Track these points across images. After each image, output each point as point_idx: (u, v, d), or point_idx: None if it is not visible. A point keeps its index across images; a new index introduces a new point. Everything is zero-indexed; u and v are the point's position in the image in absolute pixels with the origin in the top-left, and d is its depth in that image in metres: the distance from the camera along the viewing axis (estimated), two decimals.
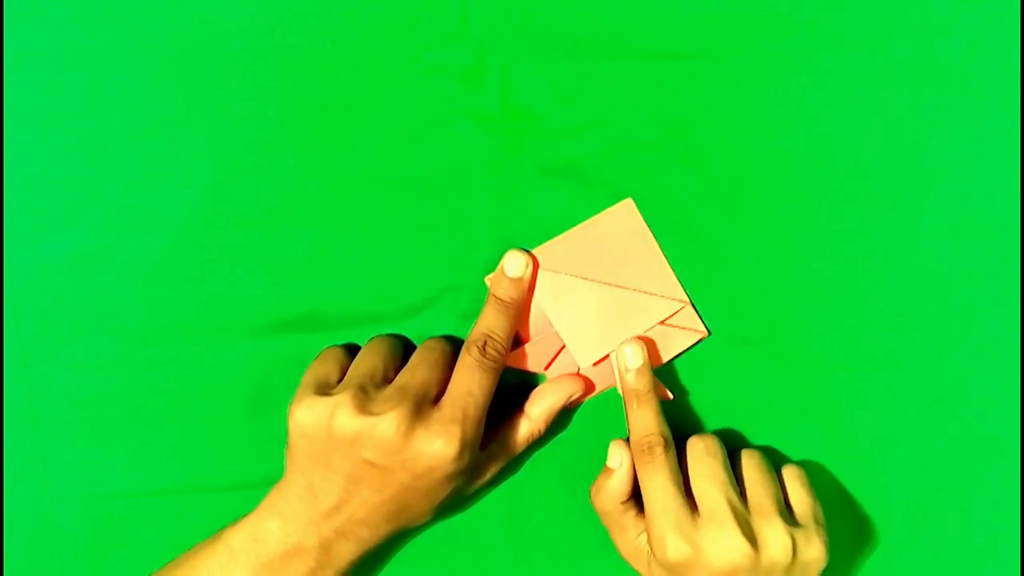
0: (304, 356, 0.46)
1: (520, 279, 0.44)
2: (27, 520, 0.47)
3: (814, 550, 0.41)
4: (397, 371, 0.44)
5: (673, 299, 0.46)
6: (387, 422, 0.40)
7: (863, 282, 0.45)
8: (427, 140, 0.45)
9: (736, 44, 0.44)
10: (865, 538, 0.47)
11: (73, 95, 0.44)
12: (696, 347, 0.46)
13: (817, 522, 0.42)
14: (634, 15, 0.44)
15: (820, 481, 0.46)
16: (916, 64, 0.44)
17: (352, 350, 0.45)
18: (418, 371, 0.43)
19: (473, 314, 0.46)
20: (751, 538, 0.40)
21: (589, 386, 0.46)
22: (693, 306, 0.46)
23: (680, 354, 0.46)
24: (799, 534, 0.41)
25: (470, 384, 0.42)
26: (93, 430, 0.46)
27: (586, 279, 0.45)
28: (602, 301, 0.45)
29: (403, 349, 0.45)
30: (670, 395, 0.46)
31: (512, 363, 0.46)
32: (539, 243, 0.45)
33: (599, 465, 0.46)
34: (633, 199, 0.45)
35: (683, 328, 0.46)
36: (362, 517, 0.41)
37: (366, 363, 0.43)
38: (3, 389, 0.46)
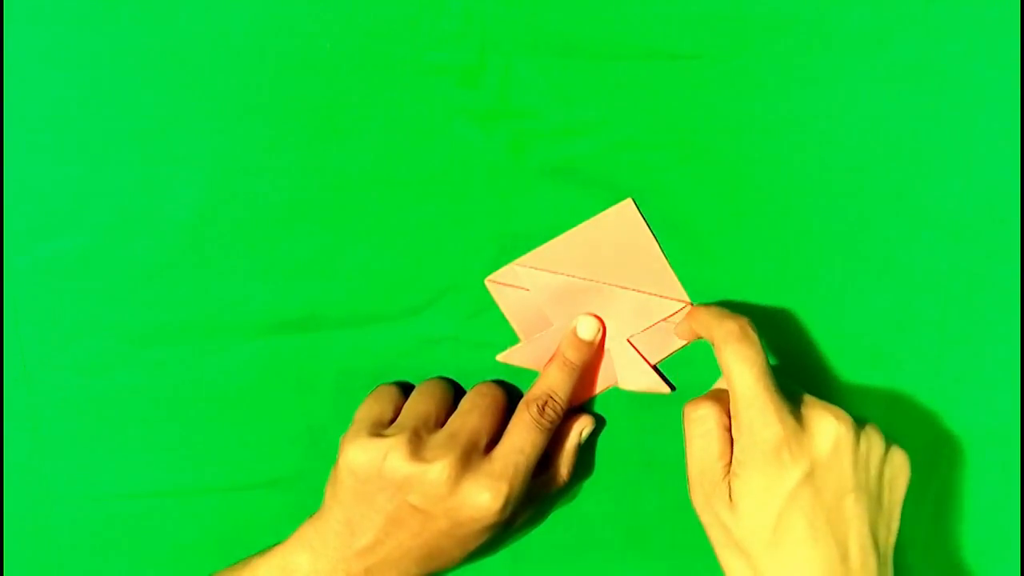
0: (304, 356, 0.46)
1: (591, 343, 0.45)
2: (27, 520, 0.47)
3: (901, 456, 0.40)
4: (448, 414, 0.44)
5: (674, 299, 0.46)
6: (437, 470, 0.40)
7: (863, 282, 0.45)
8: (427, 140, 0.45)
9: (736, 44, 0.44)
10: None
11: (73, 95, 0.44)
12: (696, 345, 0.46)
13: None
14: (634, 15, 0.44)
15: None
16: (916, 64, 0.44)
17: (405, 388, 0.46)
18: (469, 418, 0.43)
19: (473, 314, 0.46)
20: (853, 420, 0.39)
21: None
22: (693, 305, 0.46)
23: (678, 350, 0.46)
24: (889, 442, 0.40)
25: (524, 442, 0.42)
26: (93, 430, 0.46)
27: (586, 279, 0.45)
28: (602, 301, 0.45)
29: (454, 392, 0.46)
30: (666, 389, 0.46)
31: (513, 361, 0.46)
32: (539, 243, 0.45)
33: (599, 466, 0.46)
34: (633, 199, 0.45)
35: None
36: (395, 559, 0.42)
37: (419, 406, 0.44)
38: (3, 389, 0.46)
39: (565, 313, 0.45)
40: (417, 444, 0.41)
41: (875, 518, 0.39)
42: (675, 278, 0.46)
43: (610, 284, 0.45)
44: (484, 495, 0.41)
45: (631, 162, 0.45)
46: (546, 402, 0.43)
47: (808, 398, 0.40)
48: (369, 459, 0.41)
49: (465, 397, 0.45)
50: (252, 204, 0.45)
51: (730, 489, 0.39)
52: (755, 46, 0.44)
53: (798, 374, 0.46)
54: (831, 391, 0.46)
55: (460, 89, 0.45)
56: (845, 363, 0.46)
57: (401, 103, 0.45)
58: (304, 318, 0.46)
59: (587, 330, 0.45)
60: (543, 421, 0.43)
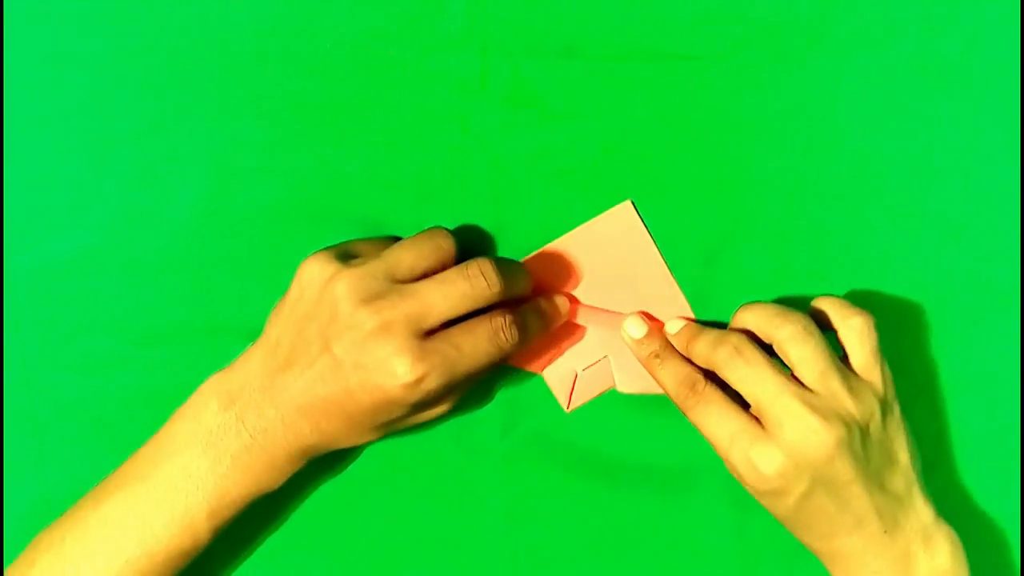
0: None
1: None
2: (27, 520, 0.47)
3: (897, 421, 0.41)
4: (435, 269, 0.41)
5: (673, 305, 0.46)
6: (365, 316, 0.38)
7: (863, 282, 0.45)
8: (427, 141, 0.45)
9: (736, 44, 0.44)
10: None
11: (73, 95, 0.44)
12: None
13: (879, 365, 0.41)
14: (634, 16, 0.44)
15: None
16: (916, 64, 0.44)
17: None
18: (433, 285, 0.39)
19: None
20: (833, 416, 0.39)
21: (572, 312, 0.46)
22: (693, 312, 0.46)
23: None
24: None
25: (468, 343, 0.39)
26: (93, 430, 0.46)
27: (586, 306, 0.45)
28: (600, 303, 0.45)
29: (454, 251, 0.42)
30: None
31: (512, 360, 0.46)
32: (539, 245, 0.45)
33: (598, 466, 0.46)
34: (632, 199, 0.45)
35: None
36: (306, 402, 0.39)
37: (406, 253, 0.40)
38: (3, 389, 0.46)
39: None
40: (368, 284, 0.39)
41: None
42: (672, 280, 0.46)
43: (609, 311, 0.45)
44: (401, 366, 0.38)
45: (631, 163, 0.45)
46: (512, 323, 0.40)
47: (787, 407, 0.39)
48: (320, 273, 0.39)
49: (454, 269, 0.40)
50: (252, 204, 0.45)
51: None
52: (755, 46, 0.44)
53: None
54: None
55: (460, 90, 0.45)
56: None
57: (401, 104, 0.45)
58: None
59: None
60: (501, 337, 0.40)
